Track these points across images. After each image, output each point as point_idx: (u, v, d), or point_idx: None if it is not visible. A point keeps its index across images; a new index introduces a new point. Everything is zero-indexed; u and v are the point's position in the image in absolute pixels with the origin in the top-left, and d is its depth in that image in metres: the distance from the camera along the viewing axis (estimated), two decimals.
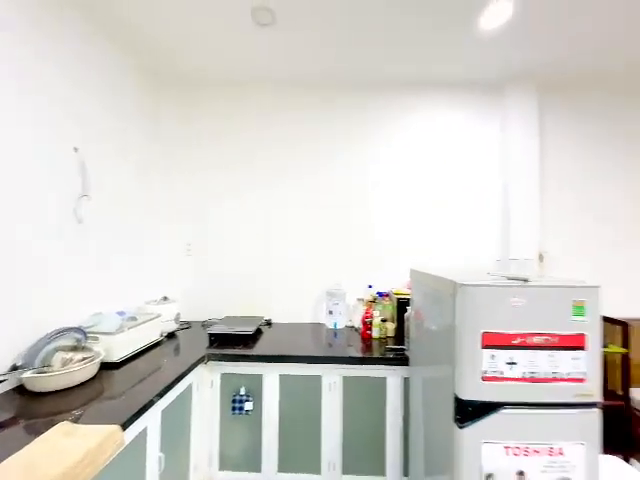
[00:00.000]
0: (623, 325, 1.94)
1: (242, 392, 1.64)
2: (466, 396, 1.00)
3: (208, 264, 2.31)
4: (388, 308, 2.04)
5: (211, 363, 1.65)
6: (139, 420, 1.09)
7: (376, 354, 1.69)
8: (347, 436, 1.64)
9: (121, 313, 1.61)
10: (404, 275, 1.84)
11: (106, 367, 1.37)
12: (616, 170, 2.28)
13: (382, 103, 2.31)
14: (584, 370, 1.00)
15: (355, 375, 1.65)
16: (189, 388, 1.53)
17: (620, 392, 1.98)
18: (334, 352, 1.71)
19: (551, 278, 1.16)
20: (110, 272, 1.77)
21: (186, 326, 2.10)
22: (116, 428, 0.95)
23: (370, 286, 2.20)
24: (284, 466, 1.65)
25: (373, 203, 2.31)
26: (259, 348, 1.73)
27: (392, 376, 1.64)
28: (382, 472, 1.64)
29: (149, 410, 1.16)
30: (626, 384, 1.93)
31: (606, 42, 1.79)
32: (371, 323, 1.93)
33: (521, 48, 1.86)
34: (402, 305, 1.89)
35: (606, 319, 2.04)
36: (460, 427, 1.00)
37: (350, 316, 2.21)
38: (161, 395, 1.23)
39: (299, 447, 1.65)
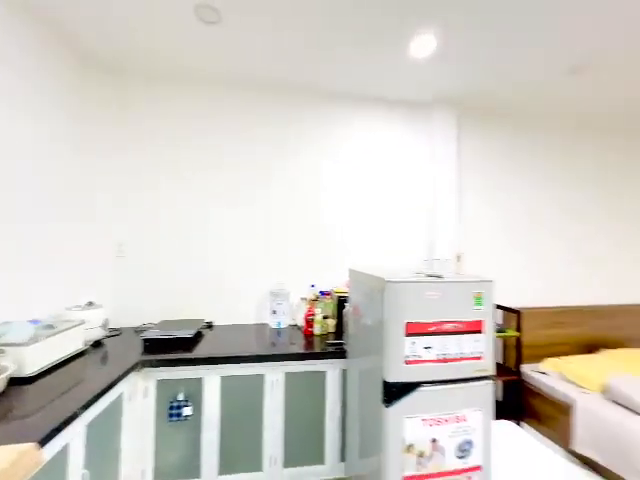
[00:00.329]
0: (517, 313, 2.36)
1: (180, 397, 1.59)
2: (391, 379, 1.15)
3: (141, 266, 2.16)
4: (329, 306, 2.16)
5: (145, 370, 1.56)
6: (59, 436, 1.01)
7: (317, 349, 1.78)
8: (289, 431, 1.70)
9: (35, 321, 1.43)
10: (344, 275, 1.98)
11: (17, 382, 1.21)
12: (519, 182, 2.76)
13: (330, 112, 2.43)
14: (482, 350, 1.22)
15: (297, 371, 1.72)
16: (119, 398, 1.43)
17: (514, 368, 2.40)
18: (277, 350, 1.76)
19: (460, 275, 1.38)
20: (22, 276, 1.56)
21: (116, 333, 1.94)
22: (31, 446, 0.87)
23: (313, 285, 2.30)
24: (225, 468, 1.64)
25: (316, 206, 2.42)
26: (199, 351, 1.69)
27: (331, 369, 1.75)
28: (321, 461, 1.74)
29: (71, 425, 1.07)
30: (519, 361, 2.35)
31: (512, 77, 2.17)
32: (313, 321, 2.03)
33: (444, 77, 2.15)
34: (342, 302, 2.03)
35: (505, 308, 2.48)
36: (387, 406, 1.14)
37: (294, 315, 2.28)
38: (85, 408, 1.14)
39: (241, 447, 1.66)
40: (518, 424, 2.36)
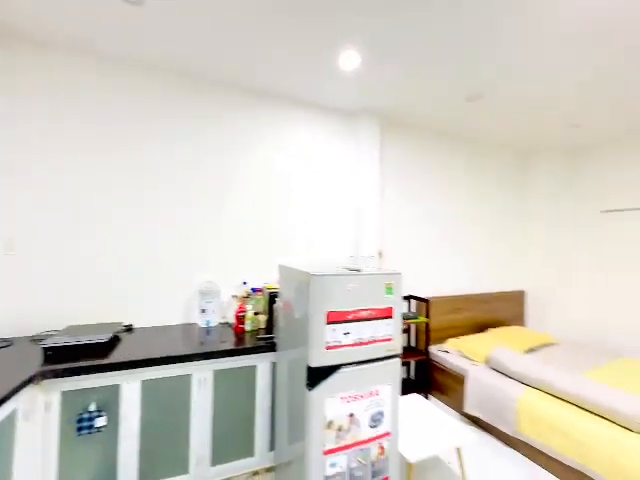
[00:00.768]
0: (426, 302, 2.74)
1: (92, 408, 1.45)
2: (314, 364, 1.25)
3: (39, 265, 1.88)
4: (261, 302, 2.19)
5: (47, 382, 1.39)
6: None
7: (248, 345, 1.81)
8: (217, 428, 1.70)
9: None
10: (276, 271, 2.03)
11: None
12: (432, 189, 3.19)
13: (265, 113, 2.45)
14: (391, 333, 1.41)
15: (227, 367, 1.72)
16: (11, 417, 1.24)
17: (424, 349, 2.78)
18: (206, 349, 1.73)
19: (376, 269, 1.57)
20: None
21: (5, 344, 1.65)
22: None
23: (245, 282, 2.31)
24: (146, 477, 1.55)
25: (250, 204, 2.42)
26: (116, 356, 1.56)
27: (262, 363, 1.80)
28: (251, 453, 1.78)
29: None
30: (427, 343, 2.74)
31: (422, 101, 2.51)
32: (244, 317, 2.04)
33: (367, 91, 2.38)
34: (273, 298, 2.08)
35: (417, 298, 2.84)
36: (310, 389, 1.25)
37: (224, 313, 2.26)
38: None
39: (165, 452, 1.59)
40: (426, 396, 2.75)
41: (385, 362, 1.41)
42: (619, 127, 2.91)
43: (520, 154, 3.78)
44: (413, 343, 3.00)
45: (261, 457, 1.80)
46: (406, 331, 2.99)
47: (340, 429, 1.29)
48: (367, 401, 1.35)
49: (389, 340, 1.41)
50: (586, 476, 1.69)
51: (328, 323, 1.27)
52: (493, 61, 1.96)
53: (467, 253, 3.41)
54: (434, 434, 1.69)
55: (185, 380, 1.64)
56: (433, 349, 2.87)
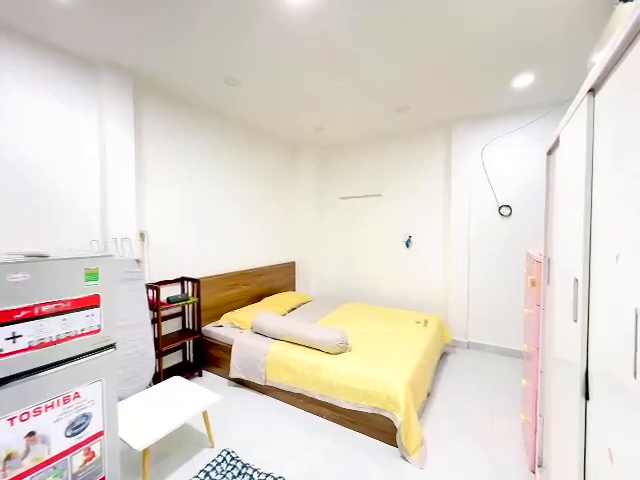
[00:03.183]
0: (196, 282, 2.73)
1: None
2: None
3: None
4: None
5: None
6: None
7: None
8: None
9: None
10: None
11: None
12: (206, 170, 3.11)
13: None
14: (99, 323, 1.25)
15: None
16: None
17: (197, 329, 2.79)
18: None
19: (75, 252, 1.33)
20: None
21: None
22: None
23: None
24: None
25: None
26: None
27: None
28: None
29: None
30: (199, 322, 2.76)
31: (180, 75, 2.32)
32: None
33: (105, 38, 1.94)
34: None
35: (187, 279, 2.77)
36: None
37: None
38: None
39: None
40: (200, 373, 2.80)
41: (91, 357, 1.23)
42: (352, 135, 3.93)
43: (291, 146, 4.41)
44: (190, 324, 2.95)
45: None
46: (181, 314, 2.90)
47: (10, 457, 1.02)
48: (59, 409, 1.14)
49: (96, 332, 1.24)
50: (304, 395, 2.25)
51: None
52: (243, 53, 2.07)
53: (244, 233, 3.66)
54: (181, 409, 1.72)
55: None
56: (209, 326, 2.94)
